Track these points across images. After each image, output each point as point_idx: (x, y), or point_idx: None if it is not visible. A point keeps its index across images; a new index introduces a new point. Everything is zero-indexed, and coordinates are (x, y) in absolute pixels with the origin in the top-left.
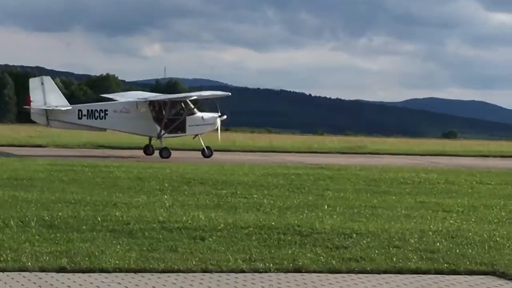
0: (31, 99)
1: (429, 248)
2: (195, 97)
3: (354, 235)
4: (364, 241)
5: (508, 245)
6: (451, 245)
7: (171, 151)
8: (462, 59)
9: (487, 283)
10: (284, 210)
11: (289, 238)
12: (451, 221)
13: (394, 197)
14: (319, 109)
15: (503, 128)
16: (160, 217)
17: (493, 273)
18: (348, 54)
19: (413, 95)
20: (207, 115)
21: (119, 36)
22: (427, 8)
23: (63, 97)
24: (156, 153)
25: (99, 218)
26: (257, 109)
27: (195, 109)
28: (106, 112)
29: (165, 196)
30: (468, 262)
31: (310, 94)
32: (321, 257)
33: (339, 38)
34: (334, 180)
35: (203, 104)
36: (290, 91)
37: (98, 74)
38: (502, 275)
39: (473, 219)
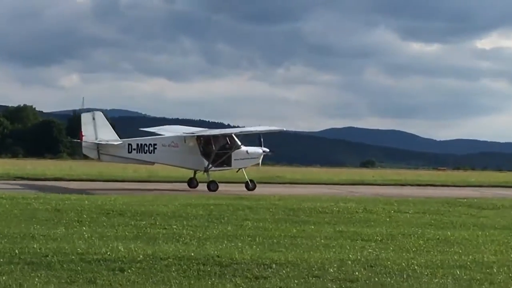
0: (83, 133)
1: (348, 277)
2: (253, 132)
3: (274, 265)
4: (284, 271)
5: (426, 273)
6: (370, 274)
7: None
8: (380, 88)
9: None
10: (204, 240)
11: (209, 269)
12: (369, 250)
13: (313, 227)
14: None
15: (420, 156)
16: (78, 249)
17: None
18: (266, 84)
19: (331, 124)
20: (251, 149)
21: (36, 67)
22: (344, 38)
23: (114, 131)
24: (201, 186)
25: (16, 251)
26: None
27: (240, 144)
28: (155, 146)
29: (84, 228)
30: None
31: (228, 124)
32: None
33: (257, 68)
34: (253, 210)
35: None
36: (208, 121)
37: (15, 105)
38: None
39: (391, 248)
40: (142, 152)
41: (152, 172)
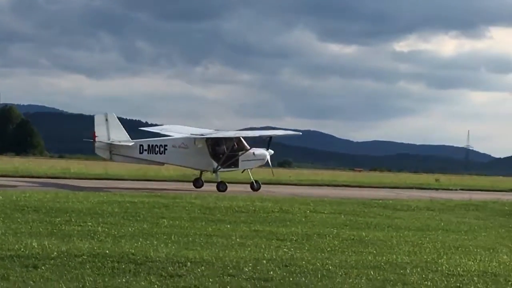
0: (96, 134)
1: (263, 276)
2: (269, 136)
3: (189, 263)
4: (199, 270)
5: (340, 273)
6: (284, 274)
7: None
8: (298, 89)
9: None
10: (119, 238)
11: (123, 266)
12: (285, 249)
13: (229, 226)
14: (155, 137)
15: (337, 157)
16: None
17: None
18: (185, 82)
19: (249, 124)
20: (258, 150)
21: None
22: (263, 38)
23: (126, 132)
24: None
25: None
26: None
27: (247, 145)
28: (166, 147)
29: None
30: None
31: (146, 122)
32: (155, 286)
33: (175, 66)
34: (169, 208)
35: None
36: (126, 118)
37: None
38: None
39: (306, 248)
40: (153, 153)
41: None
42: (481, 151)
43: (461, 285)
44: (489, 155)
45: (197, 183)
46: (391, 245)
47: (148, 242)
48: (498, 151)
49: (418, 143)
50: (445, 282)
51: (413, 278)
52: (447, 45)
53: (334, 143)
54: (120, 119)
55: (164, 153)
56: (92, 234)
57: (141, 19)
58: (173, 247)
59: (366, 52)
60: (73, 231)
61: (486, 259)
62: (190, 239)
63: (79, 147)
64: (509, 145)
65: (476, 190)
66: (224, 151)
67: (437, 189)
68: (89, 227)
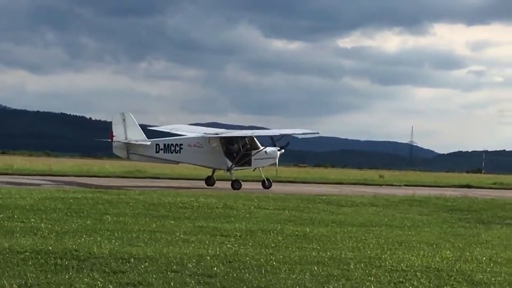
0: (113, 133)
1: (207, 272)
2: (287, 134)
3: (132, 259)
4: (142, 266)
5: (284, 269)
6: (228, 270)
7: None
8: (242, 85)
9: None
10: (62, 234)
11: (66, 263)
12: (229, 245)
13: (172, 222)
14: (99, 133)
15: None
16: None
17: None
18: (129, 78)
19: (195, 120)
20: (269, 149)
21: None
22: (207, 34)
23: (142, 132)
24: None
25: None
26: (36, 132)
27: (259, 144)
28: (181, 147)
29: None
30: (245, 286)
31: (90, 118)
32: (98, 282)
33: (119, 62)
34: (113, 204)
35: None
36: (70, 114)
37: None
38: None
39: (250, 244)
40: (168, 152)
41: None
42: (425, 147)
43: (404, 280)
44: (433, 151)
45: (209, 181)
46: (335, 240)
47: (91, 238)
48: (442, 147)
49: (362, 139)
50: (388, 278)
51: (356, 274)
52: (391, 42)
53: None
54: (64, 115)
55: (180, 152)
56: (35, 231)
57: (85, 14)
58: (117, 243)
59: (310, 48)
60: (16, 228)
61: (429, 254)
62: (134, 235)
63: (23, 142)
64: (452, 141)
65: (420, 186)
66: (237, 150)
67: (381, 185)
68: (32, 223)
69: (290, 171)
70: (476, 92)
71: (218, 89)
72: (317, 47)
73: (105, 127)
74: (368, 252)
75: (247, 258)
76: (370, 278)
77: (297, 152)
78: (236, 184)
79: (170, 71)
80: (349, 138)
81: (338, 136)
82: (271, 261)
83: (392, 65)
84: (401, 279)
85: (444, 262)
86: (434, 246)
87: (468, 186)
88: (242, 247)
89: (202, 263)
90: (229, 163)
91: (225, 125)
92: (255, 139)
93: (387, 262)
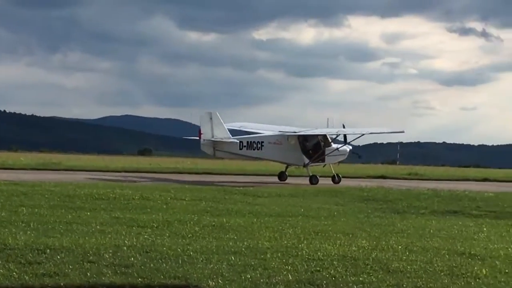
0: (202, 131)
1: (124, 263)
2: (369, 133)
3: (48, 250)
4: (58, 257)
5: (201, 259)
6: (145, 260)
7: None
8: (157, 76)
9: None
10: None
11: None
12: (145, 236)
13: (89, 213)
14: (13, 126)
15: (197, 145)
16: None
17: (186, 287)
18: (44, 70)
19: (109, 112)
20: (341, 146)
21: None
22: (122, 25)
23: (226, 130)
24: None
25: None
26: None
27: (331, 142)
28: (263, 144)
29: None
30: (162, 276)
31: (4, 110)
32: (14, 273)
33: (34, 54)
34: (29, 196)
35: None
36: None
37: None
38: None
39: (167, 234)
40: (251, 149)
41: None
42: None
43: (321, 269)
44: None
45: (282, 176)
46: (252, 230)
47: (6, 230)
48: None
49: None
50: (305, 267)
51: (273, 263)
52: (306, 34)
53: (195, 131)
54: None
55: (261, 149)
56: None
57: None
58: (32, 234)
59: (225, 40)
60: None
61: (346, 243)
62: (50, 226)
63: None
64: None
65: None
66: (313, 147)
67: (298, 176)
68: None
69: (207, 163)
70: (391, 84)
71: (133, 81)
72: (232, 38)
73: (21, 119)
74: (285, 242)
75: (164, 249)
76: (287, 267)
77: None
78: (314, 179)
79: (86, 63)
80: None
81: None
82: (188, 251)
83: (307, 57)
84: (318, 268)
85: (360, 251)
86: (351, 235)
87: (383, 177)
88: (159, 237)
89: (119, 254)
90: (306, 160)
91: (140, 117)
92: (327, 137)
93: (303, 252)
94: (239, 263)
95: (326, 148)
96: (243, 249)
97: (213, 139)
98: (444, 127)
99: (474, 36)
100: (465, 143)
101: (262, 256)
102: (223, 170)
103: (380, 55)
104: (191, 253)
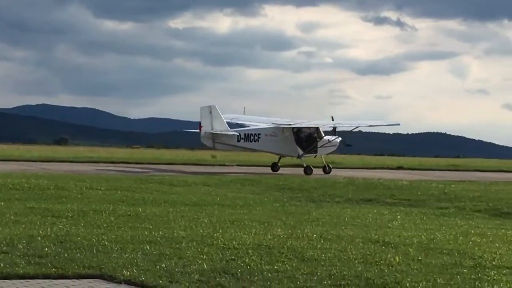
0: (202, 124)
1: (37, 253)
2: (368, 126)
3: None
4: None
5: (116, 248)
6: (59, 250)
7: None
8: (74, 66)
9: (95, 286)
10: None
11: None
12: (60, 226)
13: (3, 203)
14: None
15: (114, 135)
16: None
17: (101, 276)
18: None
19: (25, 101)
20: (332, 138)
21: None
22: (38, 14)
23: (225, 123)
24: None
25: None
26: None
27: (323, 133)
28: (259, 136)
29: None
30: (76, 266)
31: None
32: None
33: None
34: None
35: None
36: None
37: None
38: (110, 278)
39: (82, 224)
40: (248, 141)
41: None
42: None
43: (236, 258)
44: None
45: (275, 167)
46: (167, 220)
47: None
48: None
49: (195, 120)
50: (220, 255)
51: (188, 252)
52: (222, 23)
53: (111, 121)
54: None
55: (258, 141)
56: None
57: None
58: None
59: (141, 28)
60: None
61: (261, 232)
62: None
63: None
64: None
65: (252, 165)
66: (307, 139)
67: (213, 165)
68: None
69: (123, 152)
70: (307, 73)
71: (49, 70)
72: (149, 27)
73: None
74: (201, 231)
75: (79, 238)
76: (202, 256)
77: (130, 133)
78: (308, 170)
79: (1, 52)
80: (182, 119)
81: (171, 117)
82: (103, 241)
83: (223, 46)
84: (233, 257)
85: (276, 239)
86: (266, 224)
87: (298, 166)
88: (73, 227)
89: (32, 244)
90: (300, 151)
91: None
92: (320, 129)
93: (219, 240)
94: (154, 252)
95: (319, 140)
96: (158, 238)
97: (212, 131)
98: (360, 116)
99: (389, 25)
100: (380, 132)
101: (177, 245)
102: (140, 160)
103: (296, 44)
104: (106, 243)
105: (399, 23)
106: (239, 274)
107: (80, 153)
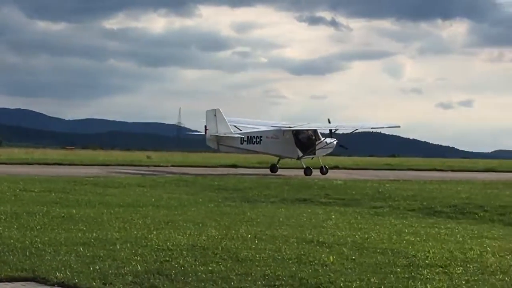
0: (207, 127)
1: None
2: (370, 128)
3: None
4: None
5: (49, 251)
6: None
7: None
8: (6, 66)
9: None
10: None
11: None
12: None
13: None
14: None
15: (49, 136)
16: None
17: (34, 279)
18: None
19: None
20: (329, 140)
21: None
22: None
23: (228, 125)
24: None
25: None
26: None
27: (320, 135)
28: (261, 138)
29: None
30: (9, 269)
31: None
32: None
33: None
34: None
35: None
36: None
37: None
38: (43, 281)
39: (15, 226)
40: (251, 143)
41: None
42: (193, 128)
43: (170, 259)
44: (201, 132)
45: (273, 168)
46: (101, 221)
47: None
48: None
49: (130, 121)
50: (155, 257)
51: (122, 254)
52: (157, 23)
53: (46, 122)
54: None
55: (260, 143)
56: None
57: None
58: None
59: (75, 29)
60: None
61: (195, 233)
62: None
63: None
64: None
65: (187, 166)
66: (307, 141)
67: (148, 165)
68: None
69: (57, 154)
70: (242, 73)
71: None
72: (83, 28)
73: None
74: (135, 232)
75: (12, 241)
76: (136, 257)
77: (65, 134)
78: (307, 171)
79: None
80: (117, 120)
81: (106, 118)
82: (36, 243)
83: (158, 46)
84: (167, 258)
85: (210, 240)
86: (201, 224)
87: (234, 166)
88: (6, 230)
89: None
90: (300, 153)
91: None
92: (318, 131)
93: (153, 242)
94: (87, 254)
95: (317, 142)
96: (92, 240)
97: (217, 134)
98: (295, 116)
99: (324, 25)
100: None
101: (111, 247)
102: (74, 161)
103: (231, 44)
104: (40, 245)
105: (333, 23)
106: (173, 276)
107: (14, 154)
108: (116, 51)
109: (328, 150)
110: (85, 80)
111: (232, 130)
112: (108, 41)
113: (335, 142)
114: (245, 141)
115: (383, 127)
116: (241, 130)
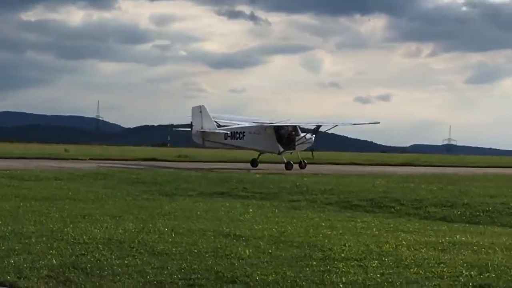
0: (193, 123)
1: None
2: (353, 124)
3: None
4: None
5: None
6: None
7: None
8: None
9: None
10: None
11: None
12: None
13: None
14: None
15: None
16: None
17: None
18: None
19: None
20: (308, 135)
21: None
22: None
23: (213, 121)
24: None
25: None
26: None
27: (300, 131)
28: (244, 134)
29: None
30: None
31: None
32: None
33: None
34: None
35: None
36: None
37: None
38: None
39: None
40: (234, 139)
41: None
42: (111, 121)
43: (86, 253)
44: (119, 125)
45: (254, 163)
46: (17, 215)
47: None
48: (128, 121)
49: (48, 114)
50: (70, 250)
51: (38, 247)
52: (75, 16)
53: None
54: None
55: (243, 139)
56: None
57: None
58: None
59: None
60: None
61: (112, 226)
62: None
63: None
64: (138, 115)
65: (105, 159)
66: (287, 137)
67: (66, 159)
68: None
69: None
70: (161, 66)
71: None
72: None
73: None
74: (51, 226)
75: None
76: (51, 251)
77: None
78: (289, 166)
79: None
80: (35, 113)
81: (24, 111)
82: None
83: (77, 39)
84: (83, 252)
85: (127, 234)
86: (117, 218)
87: (153, 159)
88: None
89: None
90: (281, 148)
91: None
92: (297, 127)
93: (69, 235)
94: (2, 248)
95: (297, 137)
96: (7, 233)
97: (202, 130)
98: (214, 109)
99: (243, 19)
100: None
101: (26, 241)
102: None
103: (150, 37)
104: None
105: (252, 17)
106: (88, 269)
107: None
108: (34, 43)
109: (307, 145)
110: (2, 72)
111: (216, 126)
112: (26, 33)
113: (313, 138)
114: (229, 136)
115: (364, 123)
116: (220, 126)
